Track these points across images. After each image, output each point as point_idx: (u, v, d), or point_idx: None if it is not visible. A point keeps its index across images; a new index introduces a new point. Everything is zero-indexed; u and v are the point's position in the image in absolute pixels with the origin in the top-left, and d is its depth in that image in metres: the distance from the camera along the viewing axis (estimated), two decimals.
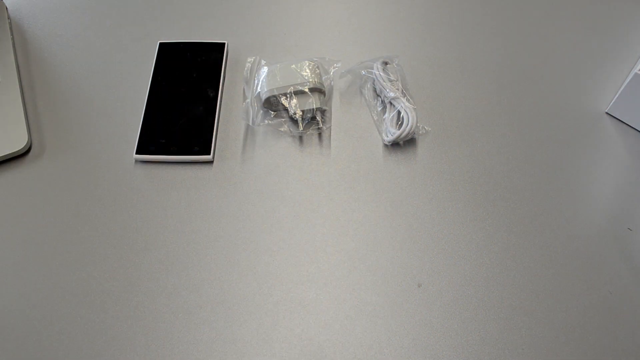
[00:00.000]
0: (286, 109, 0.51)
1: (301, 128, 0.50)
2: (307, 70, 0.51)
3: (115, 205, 0.47)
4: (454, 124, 0.52)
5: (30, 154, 0.50)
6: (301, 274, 0.44)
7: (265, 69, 0.52)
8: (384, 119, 0.51)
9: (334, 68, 0.53)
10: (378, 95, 0.53)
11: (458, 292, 0.43)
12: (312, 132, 0.52)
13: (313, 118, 0.51)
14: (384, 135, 0.51)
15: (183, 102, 0.52)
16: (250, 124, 0.50)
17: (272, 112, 0.52)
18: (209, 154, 0.49)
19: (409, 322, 0.42)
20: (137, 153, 0.49)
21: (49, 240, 0.46)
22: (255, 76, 0.53)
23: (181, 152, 0.49)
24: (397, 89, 0.51)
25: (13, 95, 0.52)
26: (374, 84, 0.54)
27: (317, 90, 0.51)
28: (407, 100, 0.51)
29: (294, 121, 0.51)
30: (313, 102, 0.50)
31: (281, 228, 0.46)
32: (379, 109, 0.53)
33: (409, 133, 0.49)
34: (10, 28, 0.58)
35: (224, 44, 0.56)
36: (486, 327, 0.42)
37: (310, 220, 0.47)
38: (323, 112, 0.52)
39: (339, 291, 0.43)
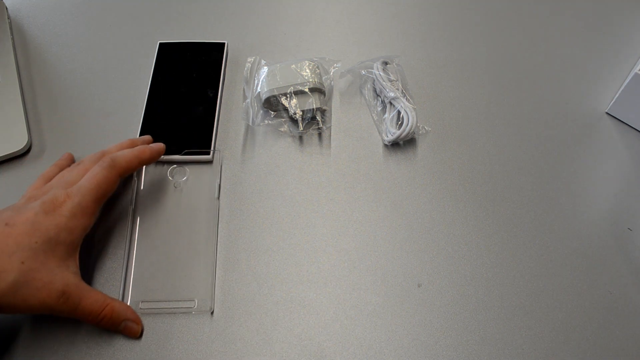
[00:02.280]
0: (286, 109, 0.50)
1: (301, 128, 0.50)
2: (307, 70, 0.51)
3: (115, 204, 0.47)
4: (454, 124, 0.52)
5: (30, 154, 0.50)
6: (301, 274, 0.44)
7: (265, 69, 0.52)
8: (384, 119, 0.51)
9: (334, 68, 0.53)
10: (378, 95, 0.53)
11: (458, 292, 0.43)
12: (312, 132, 0.52)
13: (313, 118, 0.51)
14: (384, 135, 0.51)
15: (183, 102, 0.52)
16: (250, 124, 0.50)
17: (272, 112, 0.52)
18: (209, 154, 0.49)
19: (409, 322, 0.42)
20: None
21: None
22: (255, 76, 0.53)
23: (181, 152, 0.49)
24: (397, 89, 0.51)
25: (13, 95, 0.52)
26: (374, 84, 0.54)
27: (317, 90, 0.51)
28: (407, 100, 0.51)
29: (294, 121, 0.51)
30: (313, 102, 0.50)
31: (281, 228, 0.46)
32: (379, 109, 0.53)
33: (409, 133, 0.49)
34: (10, 28, 0.58)
35: (224, 44, 0.56)
36: (486, 327, 0.42)
37: (310, 220, 0.47)
38: (323, 112, 0.52)
39: (339, 291, 0.43)
